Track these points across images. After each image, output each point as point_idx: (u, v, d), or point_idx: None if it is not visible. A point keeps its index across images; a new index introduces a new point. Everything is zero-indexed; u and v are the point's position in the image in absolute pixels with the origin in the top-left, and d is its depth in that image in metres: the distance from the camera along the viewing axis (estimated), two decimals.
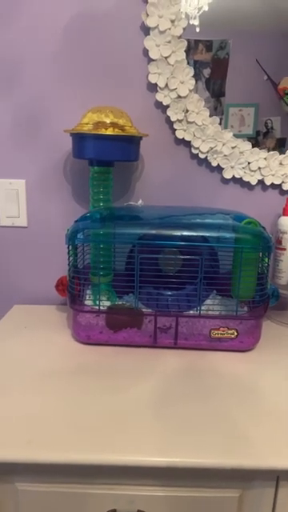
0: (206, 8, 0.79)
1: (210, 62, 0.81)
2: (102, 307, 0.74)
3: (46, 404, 0.58)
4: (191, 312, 0.74)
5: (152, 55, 0.81)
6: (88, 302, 0.77)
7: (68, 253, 0.74)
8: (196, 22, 0.79)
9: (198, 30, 0.79)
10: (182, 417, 0.56)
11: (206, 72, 0.82)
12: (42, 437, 0.52)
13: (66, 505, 0.53)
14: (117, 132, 0.74)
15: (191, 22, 0.79)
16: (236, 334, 0.72)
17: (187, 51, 0.80)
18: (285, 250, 0.85)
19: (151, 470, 0.50)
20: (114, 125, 0.74)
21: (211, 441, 0.52)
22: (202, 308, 0.74)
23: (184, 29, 0.79)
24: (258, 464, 0.49)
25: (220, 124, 0.84)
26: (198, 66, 0.81)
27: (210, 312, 0.74)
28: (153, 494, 0.53)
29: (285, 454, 0.50)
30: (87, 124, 0.75)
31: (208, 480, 0.52)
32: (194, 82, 0.82)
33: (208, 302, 0.79)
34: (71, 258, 0.75)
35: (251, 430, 0.54)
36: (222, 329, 0.72)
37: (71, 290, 0.75)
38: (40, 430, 0.53)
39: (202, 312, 0.72)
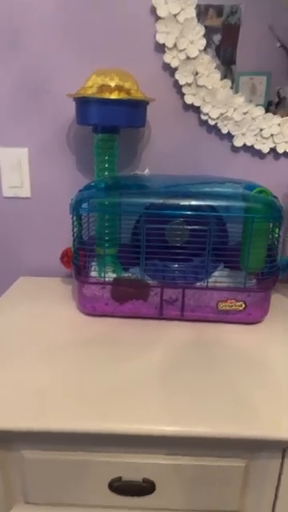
0: None
1: (221, 27, 0.77)
2: (107, 279, 0.73)
3: (53, 375, 0.58)
4: (198, 284, 0.72)
5: (160, 13, 0.76)
6: (93, 274, 0.76)
7: (72, 223, 0.72)
8: None
9: None
10: (189, 387, 0.56)
11: (217, 38, 0.77)
12: (49, 406, 0.52)
13: (71, 472, 0.54)
14: (122, 96, 0.70)
15: None
16: (244, 306, 0.71)
17: (197, 16, 0.76)
18: None
19: (157, 438, 0.50)
20: (119, 88, 0.71)
21: (218, 410, 0.51)
22: (210, 280, 0.72)
23: None
24: (265, 434, 0.49)
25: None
26: (207, 32, 0.77)
27: (217, 284, 0.72)
28: (158, 462, 0.53)
29: None
30: (91, 87, 0.71)
31: (214, 449, 0.52)
32: (204, 41, 0.77)
33: (216, 274, 0.77)
34: (76, 229, 0.73)
35: (258, 400, 0.53)
36: (229, 301, 0.71)
37: (76, 262, 0.74)
38: (47, 399, 0.53)
39: (209, 284, 0.71)
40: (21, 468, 0.54)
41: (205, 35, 0.76)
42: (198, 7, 0.76)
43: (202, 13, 0.76)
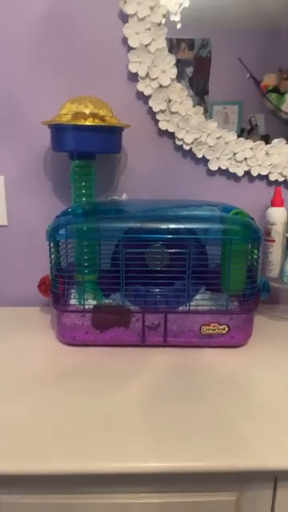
0: (186, 4, 0.77)
1: (193, 60, 0.80)
2: (87, 306, 0.71)
3: (30, 410, 0.55)
4: (180, 308, 0.71)
5: (132, 43, 0.78)
6: (73, 302, 0.74)
7: (49, 250, 0.71)
8: (177, 18, 0.77)
9: (179, 26, 0.78)
10: (174, 418, 0.53)
11: (189, 71, 0.80)
12: (25, 445, 0.48)
13: None
14: (97, 122, 0.70)
15: (172, 18, 0.77)
16: (227, 329, 0.70)
17: (169, 50, 0.78)
18: (274, 241, 0.83)
19: (143, 476, 0.47)
20: (93, 115, 0.71)
21: (205, 443, 0.49)
22: (192, 304, 0.71)
23: (164, 16, 0.77)
24: (255, 465, 0.47)
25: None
26: (180, 65, 0.80)
27: (199, 308, 0.71)
28: (146, 501, 0.49)
29: (282, 453, 0.48)
30: (66, 115, 0.71)
31: (203, 484, 0.49)
32: (175, 70, 0.79)
33: (197, 297, 0.76)
34: (53, 256, 0.71)
35: (246, 429, 0.51)
36: (212, 324, 0.70)
37: (54, 290, 0.72)
38: (23, 438, 0.50)
39: (191, 308, 0.70)
40: None
41: (176, 65, 0.79)
42: (170, 41, 0.78)
43: (174, 46, 0.79)
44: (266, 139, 0.84)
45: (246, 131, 0.84)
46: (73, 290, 0.78)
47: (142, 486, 0.49)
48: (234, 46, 0.79)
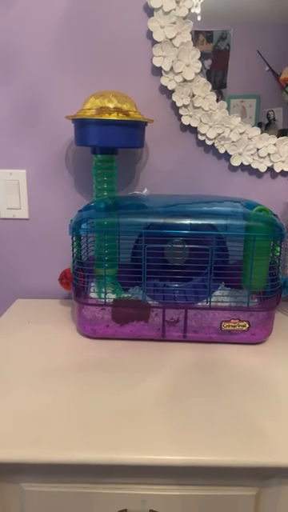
0: None
1: (211, 53, 0.79)
2: (107, 300, 0.71)
3: (52, 401, 0.56)
4: (200, 304, 0.71)
5: (156, 37, 0.77)
6: (93, 295, 0.74)
7: (72, 244, 0.71)
8: (198, 10, 0.76)
9: (199, 18, 0.77)
10: (195, 412, 0.54)
11: (207, 63, 0.79)
12: (49, 435, 0.50)
13: (73, 505, 0.51)
14: (121, 117, 0.71)
15: (193, 10, 0.76)
16: (248, 326, 0.70)
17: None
18: None
19: (163, 468, 0.47)
20: (117, 110, 0.71)
21: (226, 437, 0.49)
22: (211, 300, 0.71)
23: (189, 9, 0.76)
24: (276, 462, 0.47)
25: None
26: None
27: (219, 304, 0.71)
28: (165, 493, 0.50)
29: None
30: (90, 109, 0.71)
31: (223, 478, 0.50)
32: (200, 64, 0.78)
33: (217, 293, 0.76)
34: (75, 250, 0.72)
35: (267, 425, 0.51)
36: (233, 321, 0.69)
37: (76, 283, 0.72)
38: (46, 428, 0.51)
39: (211, 304, 0.70)
40: (20, 501, 0.51)
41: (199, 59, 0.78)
42: (190, 33, 0.77)
43: (193, 38, 0.78)
44: (284, 133, 0.83)
45: (264, 125, 0.82)
46: (92, 284, 0.79)
47: (163, 478, 0.49)
48: (253, 39, 0.78)
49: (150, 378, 0.61)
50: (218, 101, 0.81)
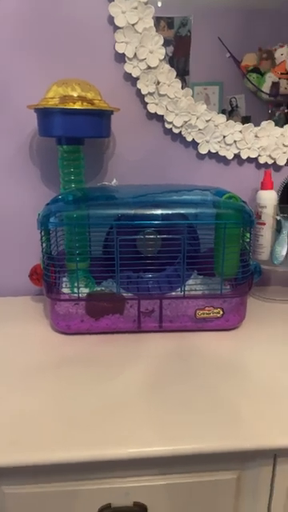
0: None
1: (173, 39, 0.78)
2: (80, 294, 0.70)
3: (30, 401, 0.55)
4: (174, 293, 0.71)
5: (118, 23, 0.75)
6: (65, 290, 0.73)
7: (41, 239, 0.69)
8: None
9: (159, 4, 0.76)
10: (174, 402, 0.54)
11: (169, 50, 0.79)
12: (28, 436, 0.48)
13: (56, 504, 0.50)
14: (85, 106, 0.69)
15: None
16: (222, 312, 0.71)
17: None
18: (264, 224, 0.83)
19: (144, 460, 0.47)
20: (82, 98, 0.69)
21: (206, 425, 0.50)
22: (186, 288, 0.71)
23: None
24: (254, 444, 0.48)
25: None
26: None
27: (193, 292, 0.72)
28: (147, 484, 0.50)
29: (280, 430, 0.49)
30: (53, 98, 0.69)
31: (204, 464, 0.50)
32: (163, 51, 0.77)
33: (190, 282, 0.77)
34: (44, 245, 0.70)
35: (243, 409, 0.53)
36: (207, 308, 0.70)
37: (47, 279, 0.71)
38: (25, 428, 0.49)
39: (186, 292, 0.70)
40: (1, 504, 0.50)
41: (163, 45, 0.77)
42: (152, 19, 0.76)
43: (154, 24, 0.76)
44: (247, 120, 0.83)
45: (227, 112, 0.83)
46: (64, 279, 0.77)
47: (143, 469, 0.50)
48: (214, 25, 0.78)
49: (128, 369, 0.61)
50: (182, 88, 0.80)
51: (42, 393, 0.56)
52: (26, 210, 0.86)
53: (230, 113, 0.83)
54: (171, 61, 0.79)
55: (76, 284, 0.71)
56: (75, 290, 0.70)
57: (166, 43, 0.77)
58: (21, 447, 0.47)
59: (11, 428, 0.50)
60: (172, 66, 0.79)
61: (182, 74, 0.80)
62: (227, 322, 0.72)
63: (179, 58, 0.79)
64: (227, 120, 0.82)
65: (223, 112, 0.82)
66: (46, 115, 0.70)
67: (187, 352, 0.66)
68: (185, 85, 0.80)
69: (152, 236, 0.72)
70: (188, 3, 0.77)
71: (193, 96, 0.81)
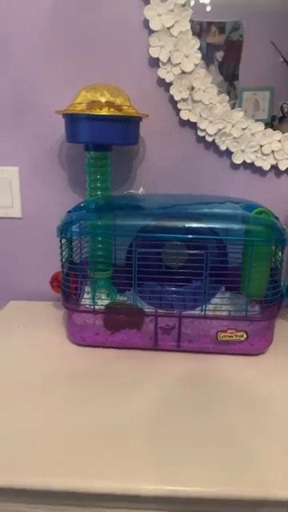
0: None
1: (223, 44, 0.75)
2: (98, 306, 0.68)
3: (31, 419, 0.52)
4: (196, 312, 0.67)
5: (153, 26, 0.73)
6: (85, 300, 0.71)
7: (60, 247, 0.68)
8: (206, 1, 0.72)
9: (208, 8, 0.72)
10: (185, 436, 0.50)
11: (219, 55, 0.76)
12: (20, 457, 0.46)
13: None
14: (113, 112, 0.66)
15: (201, 0, 0.71)
16: (245, 336, 0.65)
17: (199, 33, 0.74)
18: None
19: (148, 498, 0.44)
20: (109, 104, 0.67)
21: (211, 466, 0.45)
22: (209, 307, 0.67)
23: None
24: (268, 495, 0.43)
25: (232, 108, 0.76)
26: (210, 49, 0.75)
27: (217, 312, 0.67)
28: None
29: None
30: (80, 104, 0.67)
31: (212, 506, 0.46)
32: (199, 55, 0.73)
33: (216, 299, 0.72)
34: (64, 253, 0.69)
35: (262, 452, 0.47)
36: (229, 331, 0.65)
37: (65, 288, 0.69)
38: (22, 450, 0.47)
39: (208, 311, 0.65)
40: None
41: (206, 49, 0.74)
42: (200, 24, 0.74)
43: (204, 30, 0.74)
44: None
45: (278, 119, 0.78)
46: (87, 288, 0.75)
47: (146, 508, 0.46)
48: (267, 29, 0.74)
49: (138, 393, 0.58)
50: (230, 93, 0.76)
51: (44, 410, 0.54)
52: (53, 214, 0.85)
53: (281, 119, 0.78)
54: (221, 66, 0.76)
55: (96, 294, 0.69)
56: (95, 300, 0.68)
57: (216, 48, 0.75)
58: (12, 469, 0.45)
59: (8, 448, 0.48)
60: (221, 70, 0.76)
61: (232, 79, 0.77)
62: (252, 347, 0.67)
63: (229, 63, 0.76)
64: (277, 126, 0.77)
65: (273, 118, 0.78)
66: (73, 121, 0.69)
67: (204, 377, 0.61)
68: (233, 90, 0.77)
69: (176, 250, 0.68)
70: (240, 7, 0.74)
71: (241, 101, 0.77)
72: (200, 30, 0.74)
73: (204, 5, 0.73)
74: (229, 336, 0.65)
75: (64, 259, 0.69)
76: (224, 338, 0.65)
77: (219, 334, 0.65)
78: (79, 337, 0.69)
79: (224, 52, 0.75)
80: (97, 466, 0.45)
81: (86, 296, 0.74)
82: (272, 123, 0.78)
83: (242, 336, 0.65)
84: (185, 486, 0.43)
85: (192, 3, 0.72)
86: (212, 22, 0.74)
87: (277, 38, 0.74)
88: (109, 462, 0.46)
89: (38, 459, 0.46)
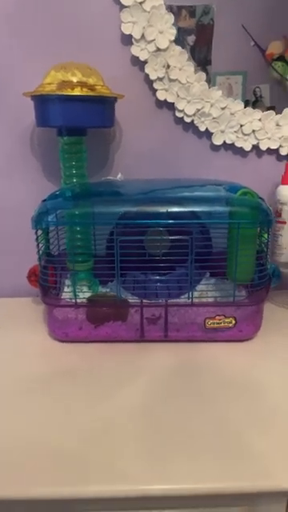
0: None
1: (195, 28, 0.73)
2: (79, 299, 0.64)
3: (12, 422, 0.49)
4: (182, 300, 0.65)
5: (124, 1, 0.68)
6: (66, 292, 0.67)
7: (36, 239, 0.64)
8: None
9: None
10: (176, 431, 0.48)
11: (191, 39, 0.73)
12: (4, 466, 0.43)
13: None
14: (85, 92, 0.62)
15: None
16: (234, 322, 0.63)
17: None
18: (285, 223, 0.75)
19: (142, 499, 0.41)
20: (82, 84, 0.63)
21: (207, 460, 0.44)
22: (195, 294, 0.65)
23: None
24: (265, 486, 0.41)
25: None
26: (181, 34, 0.72)
27: (203, 299, 0.65)
28: None
29: None
30: (50, 84, 0.63)
31: (209, 500, 0.44)
32: (174, 31, 0.70)
33: (201, 286, 0.70)
34: (41, 245, 0.65)
35: (256, 440, 0.46)
36: (217, 317, 0.63)
37: (43, 282, 0.65)
38: (5, 457, 0.44)
39: (195, 298, 0.63)
40: None
41: (177, 33, 0.70)
42: (171, 8, 0.70)
43: (175, 14, 0.71)
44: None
45: (251, 103, 0.77)
46: (67, 281, 0.72)
47: (141, 508, 0.44)
48: (238, 13, 0.73)
49: (126, 387, 0.55)
50: (198, 72, 0.73)
51: (28, 413, 0.51)
52: (26, 205, 0.80)
53: (254, 103, 0.77)
54: (193, 50, 0.74)
55: (76, 287, 0.65)
56: (76, 293, 0.65)
57: (187, 32, 0.73)
58: None
59: None
60: (193, 55, 0.74)
61: (204, 63, 0.75)
62: (241, 333, 0.65)
63: (201, 48, 0.74)
64: (246, 107, 0.75)
65: (246, 102, 0.76)
66: (42, 103, 0.64)
67: (194, 367, 0.59)
68: (206, 74, 0.74)
69: (158, 236, 0.65)
70: None
71: (214, 86, 0.74)
72: (170, 13, 0.70)
73: None
74: (217, 323, 0.63)
75: (41, 252, 0.65)
76: (212, 325, 0.63)
77: (207, 321, 0.63)
78: (61, 333, 0.65)
79: (195, 36, 0.73)
80: (87, 469, 0.43)
81: (66, 290, 0.70)
82: (246, 107, 0.76)
83: (230, 322, 0.63)
84: (181, 483, 0.41)
85: None
86: (182, 6, 0.72)
87: (248, 21, 0.73)
88: (99, 465, 0.43)
89: (20, 467, 0.43)
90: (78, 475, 0.42)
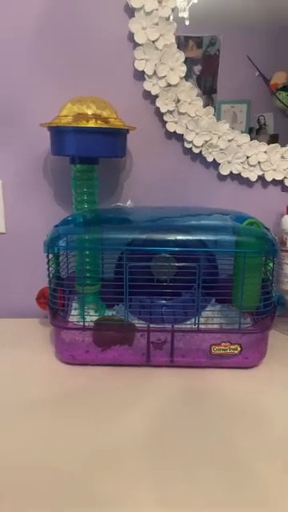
0: (195, 0, 0.72)
1: (201, 58, 0.76)
2: (87, 322, 0.66)
3: (17, 445, 0.49)
4: (188, 325, 0.66)
5: (138, 39, 0.73)
6: (74, 318, 0.69)
7: (47, 262, 0.66)
8: (185, 15, 0.73)
9: (187, 22, 0.73)
10: (180, 457, 0.48)
11: (197, 69, 0.77)
12: (7, 488, 0.43)
13: None
14: (99, 124, 0.65)
15: (180, 14, 0.73)
16: (239, 349, 0.64)
17: (177, 47, 0.74)
18: None
19: None
20: (96, 116, 0.66)
21: (216, 485, 0.44)
22: (201, 320, 0.66)
23: (172, 10, 0.72)
24: None
25: None
26: (188, 63, 0.76)
27: (209, 326, 0.66)
28: None
29: None
30: (66, 116, 0.66)
31: None
32: (185, 68, 0.74)
33: (207, 312, 0.71)
34: (51, 268, 0.66)
35: (262, 472, 0.46)
36: (223, 344, 0.64)
37: (52, 304, 0.67)
38: (6, 479, 0.44)
39: (201, 324, 0.64)
40: None
41: (184, 63, 0.74)
42: (178, 38, 0.74)
43: (182, 44, 0.74)
44: (275, 139, 0.79)
45: (255, 130, 0.79)
46: (74, 304, 0.73)
47: None
48: (243, 44, 0.76)
49: (132, 412, 0.55)
50: (208, 106, 0.76)
51: (33, 436, 0.51)
52: (39, 229, 0.83)
53: (258, 131, 0.79)
54: (199, 79, 0.77)
55: (84, 310, 0.67)
56: (84, 316, 0.66)
57: (194, 62, 0.76)
58: (4, 500, 0.42)
59: None
60: (199, 84, 0.77)
61: (210, 92, 0.78)
62: (246, 360, 0.65)
63: (207, 77, 0.77)
64: (254, 138, 0.78)
65: (250, 130, 0.79)
66: (58, 134, 0.67)
67: (200, 393, 0.60)
68: (212, 103, 0.77)
69: (166, 263, 0.67)
70: (217, 22, 0.75)
71: (219, 114, 0.77)
72: (178, 44, 0.74)
73: (183, 19, 0.73)
74: (223, 349, 0.64)
75: (51, 275, 0.67)
76: (218, 352, 0.64)
77: (213, 347, 0.64)
78: (68, 355, 0.66)
79: (202, 66, 0.76)
80: (91, 493, 0.43)
81: (73, 312, 0.71)
82: (250, 135, 0.78)
83: (236, 349, 0.64)
84: (183, 508, 0.41)
85: (171, 18, 0.72)
86: (190, 37, 0.75)
87: (253, 52, 0.76)
88: (102, 488, 0.43)
89: (22, 490, 0.43)
90: (81, 498, 0.42)
